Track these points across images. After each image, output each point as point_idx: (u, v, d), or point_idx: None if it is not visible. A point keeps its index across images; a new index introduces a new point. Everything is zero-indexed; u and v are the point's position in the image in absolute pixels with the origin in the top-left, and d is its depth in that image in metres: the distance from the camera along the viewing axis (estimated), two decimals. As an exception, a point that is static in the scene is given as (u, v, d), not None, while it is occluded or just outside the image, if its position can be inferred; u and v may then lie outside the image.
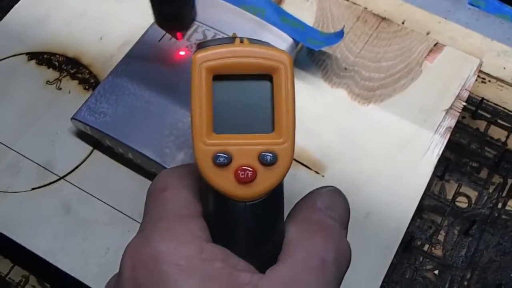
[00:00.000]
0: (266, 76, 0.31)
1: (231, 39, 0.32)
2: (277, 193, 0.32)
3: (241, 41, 0.32)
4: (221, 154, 0.31)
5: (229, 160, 0.31)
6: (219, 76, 0.31)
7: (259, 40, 0.33)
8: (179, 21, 0.47)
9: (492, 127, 0.60)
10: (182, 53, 0.55)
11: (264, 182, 0.31)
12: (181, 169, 0.35)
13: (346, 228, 0.35)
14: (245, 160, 0.31)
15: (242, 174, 0.31)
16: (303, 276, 0.31)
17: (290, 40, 0.57)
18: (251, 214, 0.32)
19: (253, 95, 0.32)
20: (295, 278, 0.30)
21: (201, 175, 0.31)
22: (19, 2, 0.63)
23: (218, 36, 0.56)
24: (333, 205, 0.35)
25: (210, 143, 0.31)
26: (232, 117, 0.31)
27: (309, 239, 0.32)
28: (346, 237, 0.35)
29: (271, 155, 0.31)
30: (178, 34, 0.50)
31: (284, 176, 0.32)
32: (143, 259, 0.30)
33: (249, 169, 0.31)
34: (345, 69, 0.60)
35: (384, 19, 0.63)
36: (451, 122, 0.57)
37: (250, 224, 0.32)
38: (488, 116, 0.60)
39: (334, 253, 0.32)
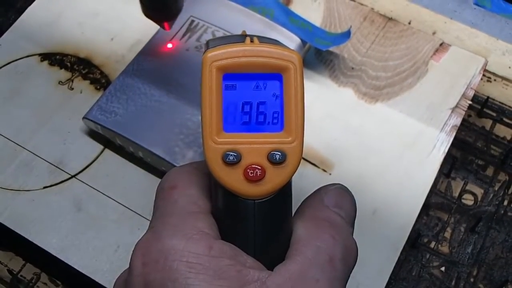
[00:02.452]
0: (276, 75, 0.31)
1: (241, 37, 0.32)
2: (285, 191, 0.32)
3: (251, 40, 0.32)
4: (231, 153, 0.31)
5: (239, 158, 0.31)
6: (229, 75, 0.31)
7: (268, 38, 0.34)
8: (166, 11, 0.47)
9: (498, 125, 0.60)
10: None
11: (273, 180, 0.31)
12: (190, 167, 0.35)
13: (352, 226, 0.36)
14: (254, 159, 0.31)
15: (251, 173, 0.31)
16: (311, 272, 0.31)
17: (298, 40, 0.58)
18: (259, 212, 0.32)
19: (262, 94, 0.32)
20: (304, 274, 0.31)
21: (211, 173, 0.31)
22: (32, 4, 0.64)
23: (226, 37, 0.57)
24: (340, 203, 0.35)
25: (220, 142, 0.31)
26: (241, 116, 0.32)
27: (317, 237, 0.32)
28: (352, 234, 0.35)
29: (280, 154, 0.31)
30: (165, 24, 0.50)
31: (293, 174, 0.32)
32: (153, 256, 0.31)
33: (258, 167, 0.31)
34: (352, 68, 0.61)
35: (390, 19, 0.64)
36: (457, 120, 0.58)
37: (259, 222, 0.32)
38: (494, 114, 0.61)
39: (341, 250, 0.32)
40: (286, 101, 0.31)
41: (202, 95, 0.31)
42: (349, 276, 0.33)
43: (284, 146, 0.31)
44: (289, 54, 0.31)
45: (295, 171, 0.32)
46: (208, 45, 0.33)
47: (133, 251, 0.32)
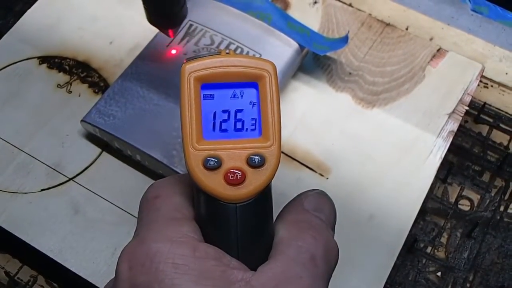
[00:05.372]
0: (252, 83, 0.33)
1: (218, 53, 0.34)
2: (266, 194, 0.33)
3: (227, 52, 0.33)
4: (211, 158, 0.32)
5: (219, 163, 0.32)
6: (207, 85, 0.33)
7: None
8: (170, 19, 0.48)
9: (494, 131, 0.61)
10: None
11: (253, 183, 0.32)
12: (172, 179, 0.36)
13: (333, 229, 0.36)
14: (234, 163, 0.32)
15: (231, 176, 0.32)
16: (294, 270, 0.32)
17: (296, 45, 0.58)
18: (241, 216, 0.33)
19: (240, 102, 0.33)
20: (287, 272, 0.31)
21: (192, 179, 0.32)
22: (32, 8, 0.64)
23: (225, 41, 0.57)
24: (320, 207, 0.36)
25: (200, 148, 0.32)
26: (220, 124, 0.33)
27: (299, 237, 0.33)
28: (333, 237, 0.36)
29: (259, 157, 0.32)
30: (170, 31, 0.51)
31: (272, 177, 0.33)
32: (139, 260, 0.31)
33: (238, 171, 0.32)
34: (350, 73, 0.61)
35: (388, 24, 0.64)
36: (453, 126, 0.58)
37: (241, 225, 0.33)
38: (490, 120, 0.61)
39: (323, 249, 0.33)
40: (262, 108, 0.33)
41: (182, 105, 0.32)
42: (331, 275, 0.34)
43: (263, 150, 0.32)
44: (263, 63, 0.33)
45: (274, 174, 0.33)
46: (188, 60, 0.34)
47: (119, 257, 0.32)
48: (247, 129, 0.33)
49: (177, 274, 0.30)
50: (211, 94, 0.33)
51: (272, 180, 0.33)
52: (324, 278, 0.33)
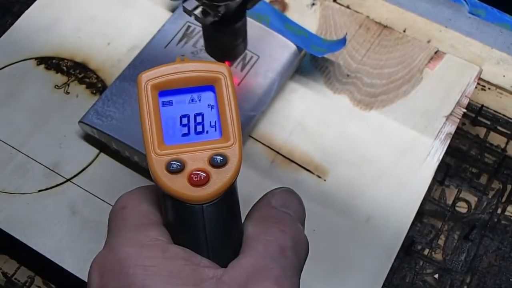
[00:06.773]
0: (208, 87, 0.34)
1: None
2: (231, 193, 0.34)
3: (182, 59, 0.34)
4: (174, 162, 0.32)
5: (182, 166, 0.32)
6: (165, 92, 0.33)
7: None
8: (231, 52, 0.49)
9: (492, 133, 0.61)
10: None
11: (217, 183, 0.33)
12: (139, 189, 0.37)
13: (302, 224, 0.37)
14: (197, 165, 0.33)
15: (195, 178, 0.32)
16: (264, 263, 0.32)
17: (294, 47, 0.58)
18: (208, 216, 0.33)
19: (198, 106, 0.34)
20: (257, 265, 0.32)
21: (157, 184, 0.33)
22: (29, 9, 0.64)
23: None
24: (287, 203, 0.36)
25: (162, 153, 0.33)
26: (181, 129, 0.34)
27: (267, 232, 0.34)
28: (303, 231, 0.36)
29: (221, 157, 0.33)
30: (227, 63, 0.51)
31: (236, 176, 0.33)
32: (109, 266, 0.32)
33: (202, 173, 0.32)
34: (348, 75, 0.61)
35: (386, 27, 0.64)
36: (451, 128, 0.58)
37: (209, 225, 0.33)
38: (488, 122, 0.61)
39: (291, 241, 0.34)
40: (221, 109, 0.34)
41: (141, 114, 0.33)
42: (302, 267, 0.34)
43: (224, 150, 0.33)
44: (217, 66, 0.34)
45: (238, 173, 0.33)
46: None
47: (89, 268, 0.33)
48: (207, 131, 0.34)
49: (147, 276, 0.30)
50: (169, 101, 0.34)
51: (237, 179, 0.33)
52: (294, 268, 0.33)
